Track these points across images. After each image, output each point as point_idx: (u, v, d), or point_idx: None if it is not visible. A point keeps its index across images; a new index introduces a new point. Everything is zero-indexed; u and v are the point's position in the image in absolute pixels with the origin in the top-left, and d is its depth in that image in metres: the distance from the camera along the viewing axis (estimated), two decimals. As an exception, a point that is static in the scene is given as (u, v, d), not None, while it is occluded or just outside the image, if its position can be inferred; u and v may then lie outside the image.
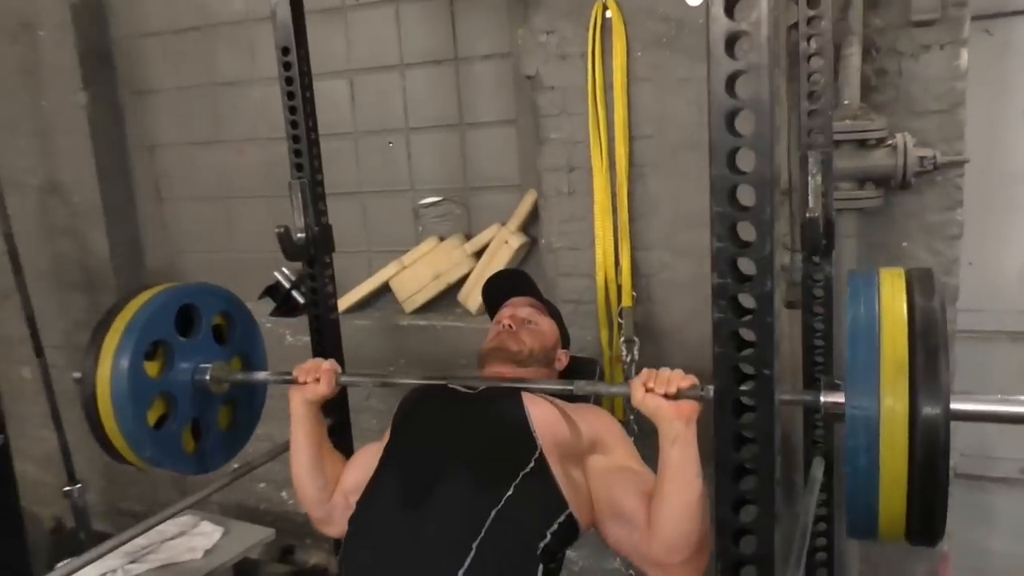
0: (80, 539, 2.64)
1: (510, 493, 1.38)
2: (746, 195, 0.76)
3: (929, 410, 1.00)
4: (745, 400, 0.79)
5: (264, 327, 2.58)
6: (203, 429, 1.77)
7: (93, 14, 2.91)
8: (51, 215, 3.04)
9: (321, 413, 1.68)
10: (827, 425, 1.74)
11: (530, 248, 2.45)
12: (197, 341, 1.74)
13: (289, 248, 1.94)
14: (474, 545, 1.32)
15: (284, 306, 2.73)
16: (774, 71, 0.74)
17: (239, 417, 1.88)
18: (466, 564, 1.30)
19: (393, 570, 1.34)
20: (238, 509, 2.93)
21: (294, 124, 1.97)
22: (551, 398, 1.59)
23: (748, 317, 0.77)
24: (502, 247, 2.39)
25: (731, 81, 0.75)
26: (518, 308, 1.78)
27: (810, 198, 1.55)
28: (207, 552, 2.40)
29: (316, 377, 1.61)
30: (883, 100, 1.90)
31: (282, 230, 1.92)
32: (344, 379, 1.67)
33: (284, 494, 2.89)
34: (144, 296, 1.72)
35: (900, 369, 1.03)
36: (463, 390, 1.60)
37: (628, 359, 2.20)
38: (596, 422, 1.54)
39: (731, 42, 0.74)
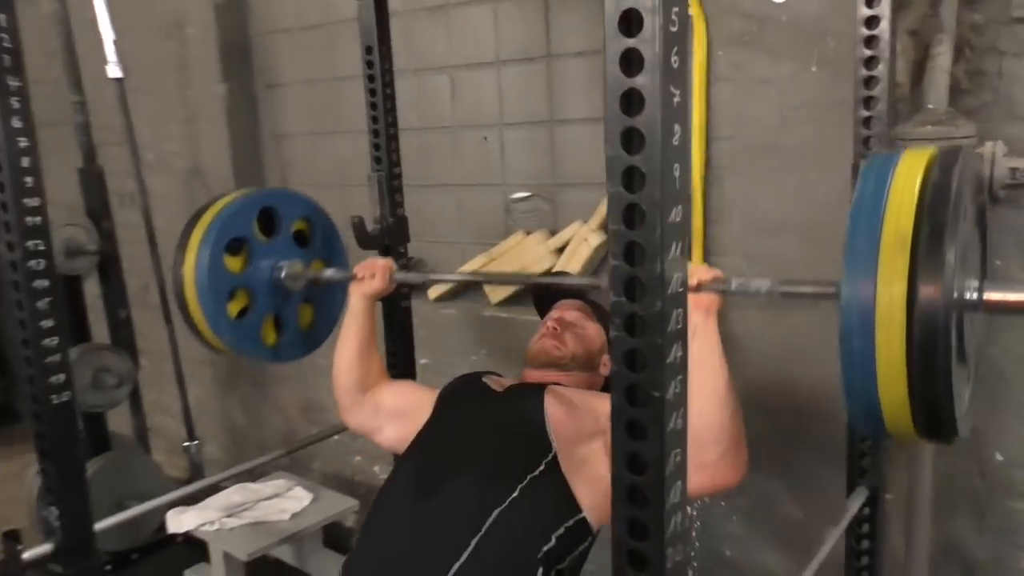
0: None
1: (515, 495, 1.41)
2: (639, 216, 0.76)
3: (928, 291, 0.98)
4: (639, 419, 0.78)
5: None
6: (282, 323, 1.93)
7: (234, 13, 3.17)
8: (194, 196, 3.35)
9: (374, 312, 1.83)
10: (875, 450, 1.63)
11: (611, 247, 2.44)
12: (278, 241, 1.90)
13: (363, 237, 2.05)
14: (473, 542, 1.35)
15: (383, 290, 2.86)
16: (667, 88, 0.74)
17: (317, 316, 2.05)
18: (462, 559, 1.34)
19: (396, 558, 1.41)
20: (336, 479, 3.13)
21: (374, 119, 2.09)
22: (578, 391, 1.60)
23: (642, 338, 0.77)
24: (581, 245, 2.39)
25: (626, 99, 0.75)
26: (566, 311, 1.80)
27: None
28: (294, 515, 2.59)
29: (372, 273, 1.72)
30: (976, 104, 1.75)
31: (357, 220, 2.03)
32: (399, 276, 1.83)
33: (376, 468, 3.05)
34: (228, 198, 1.89)
35: (902, 247, 1.00)
36: (493, 387, 1.65)
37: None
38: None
39: (626, 60, 0.74)
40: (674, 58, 0.74)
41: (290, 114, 3.21)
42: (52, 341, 1.42)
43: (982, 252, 1.35)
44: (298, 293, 1.95)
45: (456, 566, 1.33)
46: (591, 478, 1.46)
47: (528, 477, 1.43)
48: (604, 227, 2.42)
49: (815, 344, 1.97)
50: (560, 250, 2.49)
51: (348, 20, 2.92)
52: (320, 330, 2.06)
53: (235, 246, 1.85)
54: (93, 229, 2.78)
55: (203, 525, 2.53)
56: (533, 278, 2.00)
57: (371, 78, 2.06)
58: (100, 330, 3.08)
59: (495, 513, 1.38)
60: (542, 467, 1.45)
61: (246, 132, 3.24)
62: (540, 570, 1.38)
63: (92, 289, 3.05)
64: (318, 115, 3.13)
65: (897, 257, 1.00)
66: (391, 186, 2.10)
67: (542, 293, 1.91)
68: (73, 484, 1.48)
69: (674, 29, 0.74)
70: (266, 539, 2.47)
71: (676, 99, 0.75)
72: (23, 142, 1.37)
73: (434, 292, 2.73)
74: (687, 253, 0.79)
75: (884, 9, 1.43)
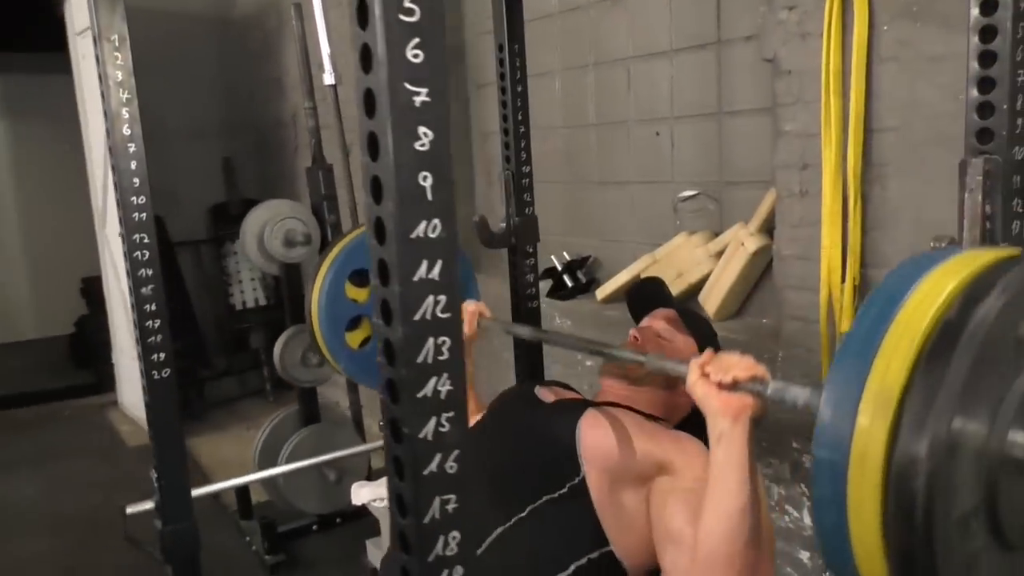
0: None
1: (522, 515, 1.31)
2: (381, 230, 0.69)
3: (910, 440, 0.72)
4: (399, 457, 0.71)
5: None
6: None
7: (452, 16, 3.33)
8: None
9: (469, 357, 1.77)
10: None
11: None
12: None
13: (486, 237, 2.04)
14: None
15: (559, 289, 2.84)
16: (401, 87, 0.65)
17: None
18: None
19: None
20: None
21: (504, 118, 2.07)
22: (639, 420, 1.46)
23: (394, 368, 0.70)
24: (738, 251, 2.17)
25: (367, 100, 0.69)
26: (655, 320, 1.64)
27: (964, 222, 1.15)
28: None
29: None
30: None
31: (479, 220, 2.04)
32: (483, 322, 1.76)
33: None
34: (360, 230, 2.01)
35: (889, 394, 0.75)
36: (543, 398, 1.56)
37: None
38: (672, 445, 1.36)
39: (364, 55, 0.67)
40: (413, 52, 0.65)
41: (493, 112, 3.30)
42: (154, 323, 1.63)
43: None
44: None
45: None
46: (624, 522, 1.32)
47: (544, 498, 1.33)
48: (764, 229, 2.17)
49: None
50: (720, 254, 2.28)
51: (547, 16, 2.94)
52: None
53: (362, 277, 1.93)
54: (313, 222, 3.09)
55: (374, 500, 2.72)
56: (595, 347, 1.76)
57: (502, 76, 2.04)
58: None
59: (497, 531, 1.31)
60: (564, 490, 1.34)
61: (459, 130, 3.39)
62: None
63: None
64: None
65: (878, 418, 0.75)
66: (519, 185, 2.07)
67: (636, 294, 1.76)
68: (171, 450, 1.68)
69: (411, 19, 0.65)
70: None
71: (421, 99, 0.66)
72: (132, 147, 1.57)
73: (602, 293, 2.65)
74: (455, 279, 0.69)
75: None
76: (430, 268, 0.68)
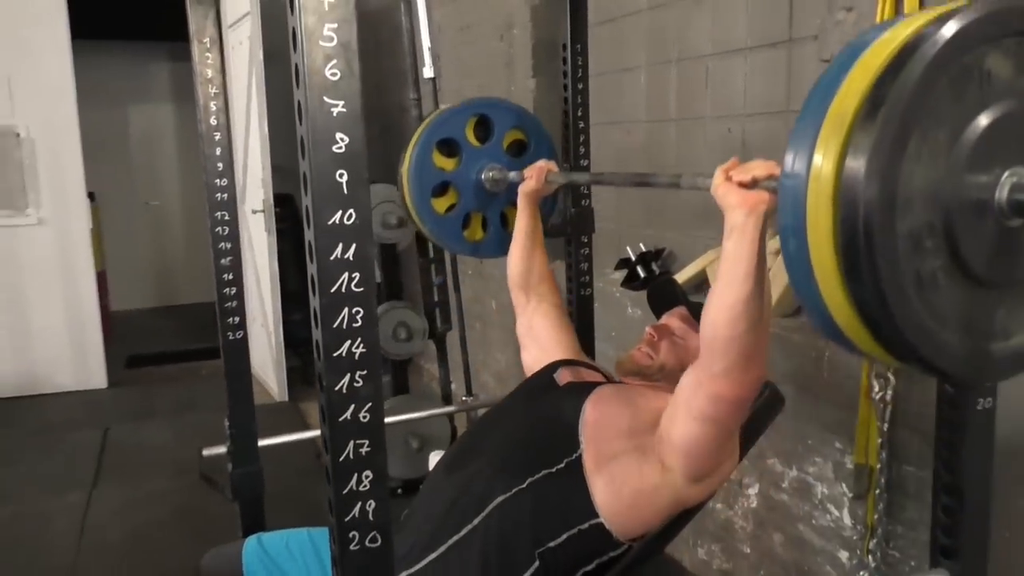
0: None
1: (523, 487, 1.44)
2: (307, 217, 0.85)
3: (854, 165, 0.79)
4: (323, 407, 0.87)
5: (613, 296, 2.88)
6: (487, 223, 2.09)
7: (547, 13, 3.44)
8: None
9: (535, 210, 1.94)
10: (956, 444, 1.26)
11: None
12: (490, 147, 2.05)
13: (545, 227, 2.16)
14: (471, 523, 1.43)
15: (633, 279, 2.91)
16: (358, 108, 0.79)
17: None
18: (457, 537, 1.42)
19: (419, 515, 1.54)
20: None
21: (566, 114, 2.18)
22: (644, 389, 1.56)
23: (318, 330, 0.85)
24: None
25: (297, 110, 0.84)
26: (672, 319, 1.72)
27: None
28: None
29: (531, 175, 1.89)
30: None
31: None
32: (551, 177, 1.90)
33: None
34: (448, 105, 2.11)
35: (842, 121, 0.82)
36: (559, 379, 1.67)
37: (878, 396, 1.85)
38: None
39: (296, 73, 0.82)
40: (331, 72, 0.79)
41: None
42: (231, 291, 1.86)
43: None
44: (503, 196, 2.07)
45: (453, 539, 1.42)
46: (616, 482, 1.42)
47: (543, 472, 1.45)
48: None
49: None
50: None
51: (636, 13, 3.00)
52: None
53: (450, 148, 2.03)
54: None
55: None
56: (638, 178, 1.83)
57: (565, 75, 2.15)
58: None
59: (498, 499, 1.43)
60: (562, 465, 1.45)
61: (552, 121, 3.50)
62: (536, 564, 1.40)
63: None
64: (603, 106, 3.25)
65: (831, 139, 0.83)
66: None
67: (657, 296, 1.82)
68: (241, 403, 1.91)
69: (328, 45, 0.79)
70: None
71: (337, 110, 0.80)
72: (217, 135, 1.81)
73: (681, 277, 2.69)
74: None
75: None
76: (345, 250, 0.82)
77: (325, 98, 0.79)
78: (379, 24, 5.27)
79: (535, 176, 1.88)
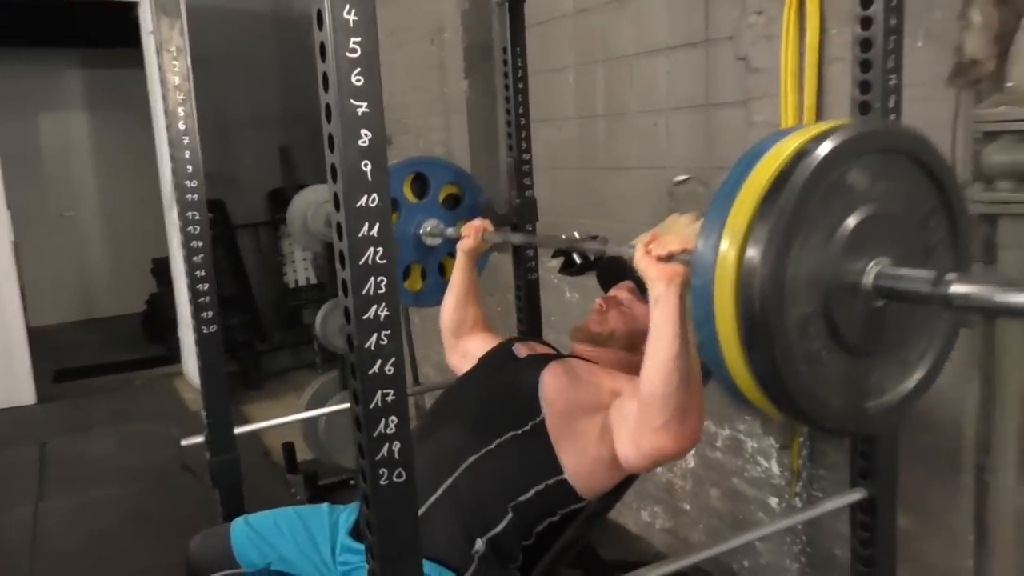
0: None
1: (491, 447, 1.59)
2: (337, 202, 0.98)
3: (751, 255, 0.98)
4: (354, 364, 1.01)
5: (552, 282, 3.05)
6: (426, 273, 2.26)
7: (478, 18, 3.61)
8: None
9: (472, 267, 2.09)
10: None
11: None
12: (427, 203, 2.21)
13: (492, 217, 2.33)
14: (443, 485, 1.56)
15: (570, 265, 3.10)
16: (379, 108, 0.94)
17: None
18: (431, 500, 1.55)
19: None
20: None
21: (508, 111, 2.35)
22: (591, 366, 1.73)
23: (347, 299, 0.99)
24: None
25: (327, 111, 0.97)
26: (620, 291, 1.90)
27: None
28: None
29: (469, 233, 2.05)
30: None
31: (484, 201, 2.33)
32: (487, 236, 2.06)
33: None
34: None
35: (740, 225, 1.00)
36: (518, 353, 1.84)
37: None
38: (623, 377, 1.66)
39: (324, 80, 0.96)
40: (356, 78, 0.94)
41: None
42: (203, 287, 1.96)
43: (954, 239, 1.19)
44: (441, 248, 2.24)
45: (431, 500, 1.55)
46: (578, 449, 1.58)
47: (509, 434, 1.59)
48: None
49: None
50: (705, 234, 2.51)
51: (562, 17, 3.20)
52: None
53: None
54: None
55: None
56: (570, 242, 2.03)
57: (505, 75, 2.32)
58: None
59: (469, 460, 1.57)
60: (527, 427, 1.60)
61: (485, 121, 3.68)
62: (510, 516, 1.55)
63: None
64: (534, 104, 3.43)
65: (732, 242, 1.01)
66: (520, 170, 2.35)
67: (606, 272, 2.02)
68: (218, 394, 2.02)
69: (353, 56, 0.94)
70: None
71: (361, 110, 0.95)
72: (186, 140, 1.91)
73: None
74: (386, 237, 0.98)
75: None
76: (370, 228, 0.97)
77: (352, 100, 0.94)
78: (305, 28, 5.34)
79: (472, 235, 2.03)
